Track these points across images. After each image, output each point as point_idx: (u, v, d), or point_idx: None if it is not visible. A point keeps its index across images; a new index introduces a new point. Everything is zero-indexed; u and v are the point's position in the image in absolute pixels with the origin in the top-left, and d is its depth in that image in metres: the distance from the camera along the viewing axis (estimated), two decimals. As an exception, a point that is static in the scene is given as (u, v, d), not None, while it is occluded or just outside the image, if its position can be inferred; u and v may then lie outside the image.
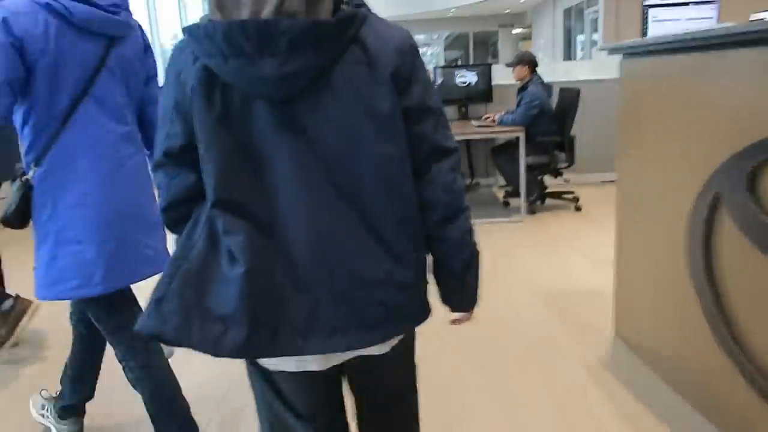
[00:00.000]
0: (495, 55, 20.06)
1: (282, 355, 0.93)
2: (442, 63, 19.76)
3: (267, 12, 0.81)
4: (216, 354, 0.89)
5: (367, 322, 0.92)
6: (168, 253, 1.62)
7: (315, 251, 0.90)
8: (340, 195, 0.89)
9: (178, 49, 0.92)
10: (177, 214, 0.98)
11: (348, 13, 0.86)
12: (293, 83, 0.85)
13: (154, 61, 1.70)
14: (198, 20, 0.87)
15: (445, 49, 19.85)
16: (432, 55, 19.99)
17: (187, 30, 0.86)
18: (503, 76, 5.43)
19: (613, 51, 2.19)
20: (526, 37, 19.55)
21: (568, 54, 14.51)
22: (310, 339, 0.91)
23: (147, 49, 1.66)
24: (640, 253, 2.13)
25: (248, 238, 0.88)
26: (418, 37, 19.69)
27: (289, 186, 0.89)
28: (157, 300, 0.91)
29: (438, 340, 2.43)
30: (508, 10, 18.40)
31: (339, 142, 0.88)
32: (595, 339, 2.46)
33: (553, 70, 6.42)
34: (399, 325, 0.98)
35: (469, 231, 1.01)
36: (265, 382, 1.07)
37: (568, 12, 14.24)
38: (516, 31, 19.50)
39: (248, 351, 0.91)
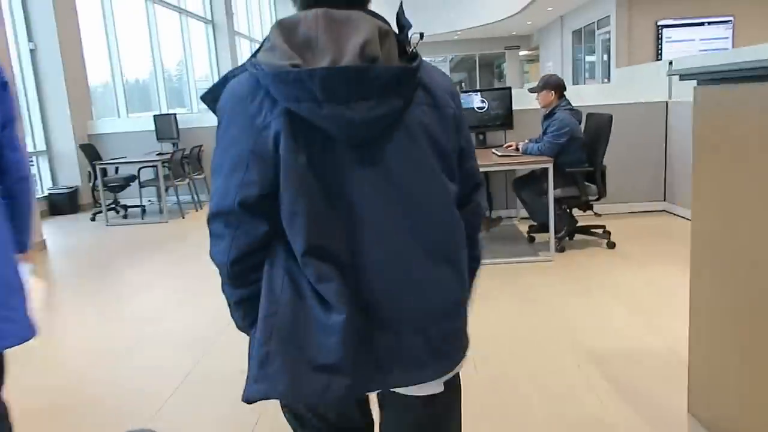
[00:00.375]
0: (500, 77, 19.85)
1: (369, 391, 0.97)
2: (447, 85, 19.61)
3: (350, 58, 0.83)
4: (322, 401, 0.97)
5: (441, 352, 0.96)
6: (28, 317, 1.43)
7: (394, 287, 0.93)
8: (415, 230, 0.92)
9: (244, 93, 0.90)
10: (245, 266, 0.95)
11: (419, 57, 0.91)
12: (379, 125, 0.87)
13: (12, 101, 1.46)
14: (253, 61, 0.88)
15: (450, 71, 19.63)
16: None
17: (270, 75, 0.85)
18: (521, 101, 5.10)
19: (687, 76, 1.82)
20: (533, 60, 19.36)
21: (576, 77, 14.24)
22: (394, 372, 0.93)
23: (4, 87, 1.42)
24: (723, 310, 1.75)
25: (341, 283, 0.90)
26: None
27: (369, 225, 0.91)
28: (260, 363, 0.92)
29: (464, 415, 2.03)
30: (513, 33, 18.23)
31: (414, 180, 0.91)
32: (661, 418, 2.05)
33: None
34: (462, 353, 1.01)
35: (481, 244, 1.11)
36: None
37: (577, 33, 14.01)
38: (523, 53, 19.32)
39: (351, 395, 0.91)
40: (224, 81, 0.95)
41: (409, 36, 0.93)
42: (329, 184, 0.89)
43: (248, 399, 0.92)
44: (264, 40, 0.89)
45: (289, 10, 0.97)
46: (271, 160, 0.87)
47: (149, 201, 7.75)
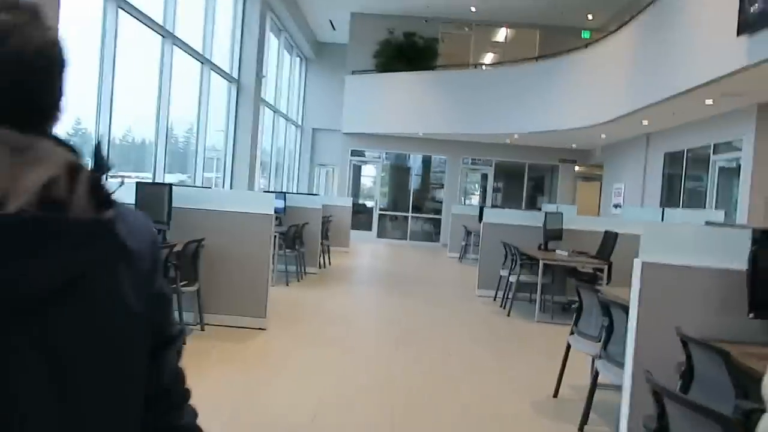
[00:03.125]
0: (548, 192, 17.50)
1: None
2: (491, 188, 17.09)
3: (22, 201, 0.59)
4: None
5: None
6: None
7: None
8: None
9: None
10: None
11: (116, 205, 0.69)
12: (51, 290, 0.63)
13: None
14: None
15: (494, 179, 17.25)
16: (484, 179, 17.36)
17: None
18: None
19: None
20: (590, 178, 17.09)
21: (668, 202, 11.74)
22: None
23: None
24: None
25: None
26: (465, 161, 17.14)
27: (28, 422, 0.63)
28: None
29: None
30: (573, 145, 16.04)
31: (86, 372, 0.66)
32: None
33: None
34: None
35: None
36: None
37: (673, 156, 11.67)
38: (578, 168, 17.07)
39: None
40: None
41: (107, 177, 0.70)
42: None
43: None
44: None
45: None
46: None
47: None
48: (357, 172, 17.60)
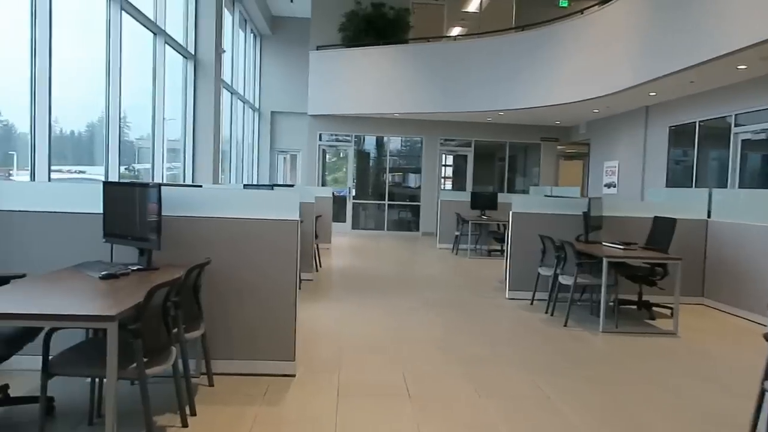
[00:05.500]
0: (528, 173, 16.56)
1: None
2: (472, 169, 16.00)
3: None
4: None
5: None
6: None
7: None
8: None
9: None
10: None
11: None
12: None
13: None
14: None
15: (474, 161, 16.13)
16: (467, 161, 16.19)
17: None
18: None
19: None
20: (572, 156, 16.26)
21: (676, 180, 10.93)
22: None
23: None
24: None
25: None
26: (443, 142, 15.93)
27: None
28: None
29: None
30: (557, 122, 15.12)
31: None
32: None
33: None
34: None
35: None
36: None
37: (680, 130, 10.83)
38: (560, 147, 16.18)
39: None
40: None
41: None
42: None
43: None
44: None
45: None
46: None
47: None
48: (324, 157, 16.11)
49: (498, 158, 16.42)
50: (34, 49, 5.43)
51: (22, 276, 3.23)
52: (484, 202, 11.67)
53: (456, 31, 16.21)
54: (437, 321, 5.66)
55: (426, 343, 4.83)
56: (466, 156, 16.11)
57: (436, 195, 15.17)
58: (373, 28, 14.74)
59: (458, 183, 16.21)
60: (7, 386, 3.23)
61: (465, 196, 12.19)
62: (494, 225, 11.61)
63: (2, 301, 2.58)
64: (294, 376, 3.86)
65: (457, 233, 11.76)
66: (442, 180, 16.11)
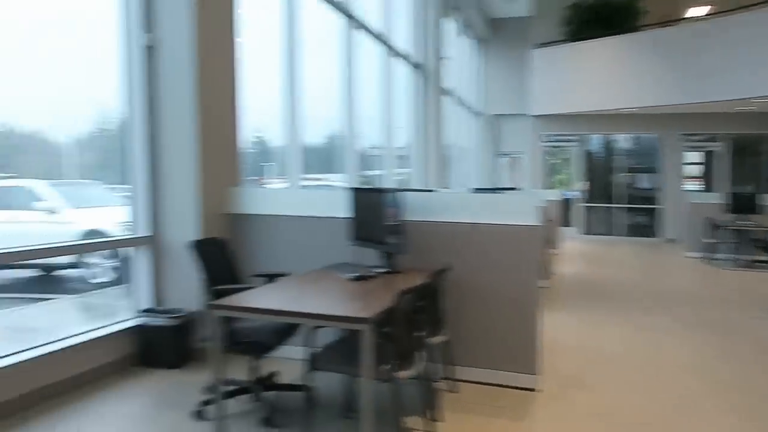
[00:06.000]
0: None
1: None
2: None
3: None
4: None
5: None
6: None
7: None
8: None
9: None
10: None
11: None
12: None
13: None
14: None
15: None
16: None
17: None
18: None
19: None
20: None
21: None
22: None
23: None
24: None
25: None
26: (684, 138, 14.13)
27: None
28: None
29: None
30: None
31: None
32: None
33: None
34: None
35: None
36: None
37: None
38: None
39: None
40: None
41: None
42: None
43: None
44: None
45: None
46: None
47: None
48: (547, 159, 15.44)
49: (752, 153, 14.03)
50: (289, 76, 6.03)
51: (284, 275, 3.52)
52: (743, 204, 10.04)
53: (700, 11, 14.28)
54: (699, 345, 4.90)
55: (687, 370, 4.19)
56: (712, 152, 14.07)
57: (678, 197, 13.52)
58: (598, 19, 13.72)
59: (705, 183, 14.24)
60: (277, 373, 3.57)
61: (714, 198, 10.61)
62: (758, 231, 9.88)
63: (276, 299, 2.82)
64: (535, 390, 3.62)
65: (710, 240, 10.27)
66: (684, 180, 14.31)
